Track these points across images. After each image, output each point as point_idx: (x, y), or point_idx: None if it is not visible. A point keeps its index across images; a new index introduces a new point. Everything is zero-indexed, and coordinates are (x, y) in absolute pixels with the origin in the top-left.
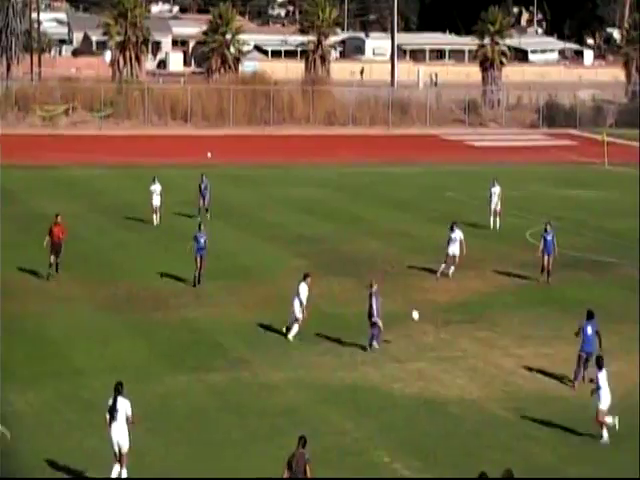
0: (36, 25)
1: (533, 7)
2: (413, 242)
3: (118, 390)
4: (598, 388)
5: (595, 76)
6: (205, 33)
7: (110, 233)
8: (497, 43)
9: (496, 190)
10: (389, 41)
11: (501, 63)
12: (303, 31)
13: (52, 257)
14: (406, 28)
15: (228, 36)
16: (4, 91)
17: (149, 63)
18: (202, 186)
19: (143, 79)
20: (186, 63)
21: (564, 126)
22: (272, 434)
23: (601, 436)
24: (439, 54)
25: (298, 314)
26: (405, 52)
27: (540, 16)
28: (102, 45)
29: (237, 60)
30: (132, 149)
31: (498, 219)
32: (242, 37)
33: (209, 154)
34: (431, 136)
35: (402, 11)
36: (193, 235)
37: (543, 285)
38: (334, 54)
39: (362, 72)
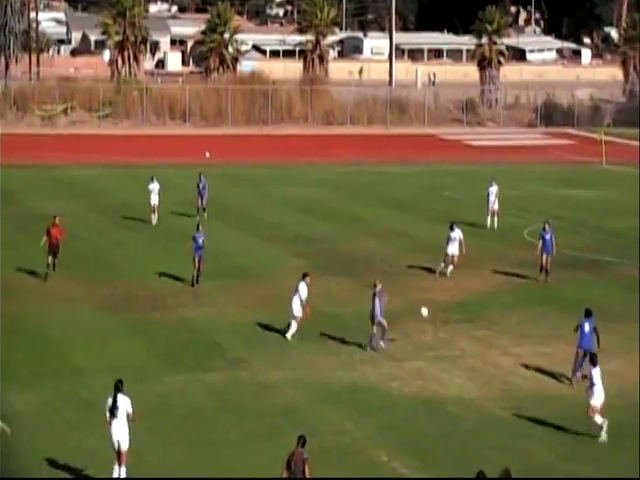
0: (34, 24)
1: (531, 6)
2: (411, 241)
3: (118, 388)
4: (592, 385)
5: (593, 75)
6: (203, 33)
7: (109, 233)
8: (495, 42)
9: (494, 189)
10: (387, 41)
11: (499, 62)
12: (301, 31)
13: (50, 258)
14: (404, 28)
15: (226, 36)
16: (3, 90)
17: (147, 63)
18: (200, 186)
19: (141, 79)
20: (184, 63)
21: (562, 125)
22: (271, 434)
23: (599, 435)
24: (437, 53)
25: (297, 313)
26: (403, 52)
27: (538, 15)
28: (101, 45)
29: (235, 60)
30: (131, 149)
31: (496, 218)
32: (240, 37)
33: (207, 154)
34: (429, 135)
35: (400, 11)
36: (191, 235)
37: (542, 284)
38: (332, 54)
39: (361, 72)
